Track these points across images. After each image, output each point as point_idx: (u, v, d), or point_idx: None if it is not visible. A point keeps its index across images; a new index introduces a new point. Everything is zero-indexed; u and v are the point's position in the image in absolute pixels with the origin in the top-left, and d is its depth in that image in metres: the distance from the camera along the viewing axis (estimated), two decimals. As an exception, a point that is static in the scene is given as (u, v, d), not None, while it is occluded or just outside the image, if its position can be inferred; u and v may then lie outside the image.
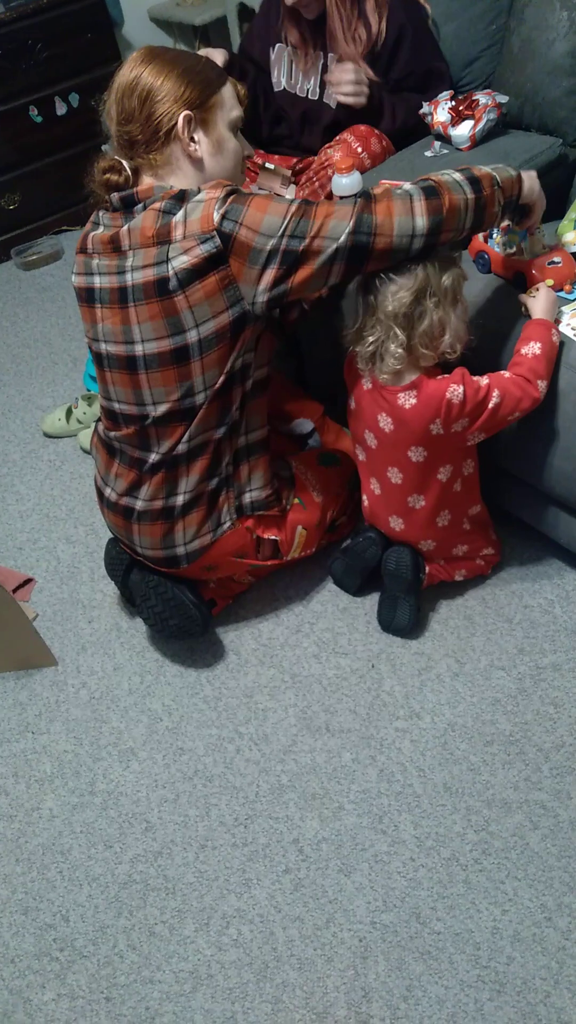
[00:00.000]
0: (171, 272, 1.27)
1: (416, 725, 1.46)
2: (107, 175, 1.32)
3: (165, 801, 1.44)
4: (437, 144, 1.85)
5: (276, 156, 2.05)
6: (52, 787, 1.50)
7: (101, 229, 1.36)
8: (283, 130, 2.10)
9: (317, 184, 1.87)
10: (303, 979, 1.21)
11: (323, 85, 1.98)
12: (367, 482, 1.58)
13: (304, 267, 1.26)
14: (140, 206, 1.30)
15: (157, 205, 1.28)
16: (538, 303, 1.41)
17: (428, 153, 1.85)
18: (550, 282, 1.46)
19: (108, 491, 1.53)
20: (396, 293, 1.32)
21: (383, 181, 1.64)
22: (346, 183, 1.71)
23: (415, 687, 1.52)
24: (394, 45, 1.89)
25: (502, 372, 1.38)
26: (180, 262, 1.26)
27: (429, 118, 1.89)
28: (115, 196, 1.32)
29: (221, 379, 1.35)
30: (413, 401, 1.38)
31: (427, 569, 1.57)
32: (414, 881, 1.28)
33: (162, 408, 1.37)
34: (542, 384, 1.35)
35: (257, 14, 2.09)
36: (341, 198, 1.73)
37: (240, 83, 1.40)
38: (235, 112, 1.36)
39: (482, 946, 1.21)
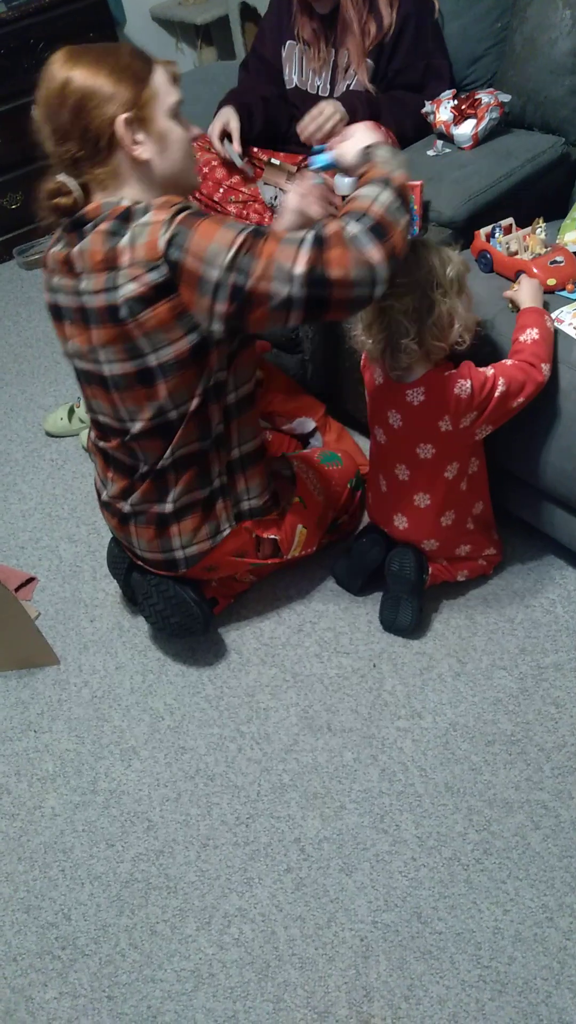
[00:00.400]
0: (120, 300, 1.21)
1: (418, 725, 1.46)
2: (56, 199, 1.23)
3: (167, 800, 1.44)
4: (439, 143, 1.85)
5: (282, 153, 2.05)
6: (54, 786, 1.50)
7: (60, 245, 1.30)
8: (295, 127, 2.10)
9: (321, 181, 1.87)
10: (304, 978, 1.21)
11: (333, 81, 1.99)
12: (374, 479, 1.58)
13: (257, 309, 1.19)
14: (90, 226, 1.23)
15: (104, 226, 1.21)
16: (523, 293, 1.42)
17: (431, 152, 1.84)
18: (552, 280, 1.46)
19: (104, 493, 1.53)
20: (404, 287, 1.32)
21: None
22: (349, 182, 1.71)
23: (417, 687, 1.52)
24: (397, 36, 1.89)
25: (504, 361, 1.39)
26: (128, 290, 1.20)
27: (431, 117, 1.88)
28: (66, 221, 1.26)
29: (195, 401, 1.31)
30: (421, 398, 1.38)
31: (430, 570, 1.57)
32: (415, 881, 1.28)
33: (138, 425, 1.34)
34: (545, 367, 1.36)
35: (268, 12, 2.09)
36: (344, 197, 1.73)
37: (171, 63, 1.28)
38: (172, 98, 1.25)
39: (483, 946, 1.21)
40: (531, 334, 1.38)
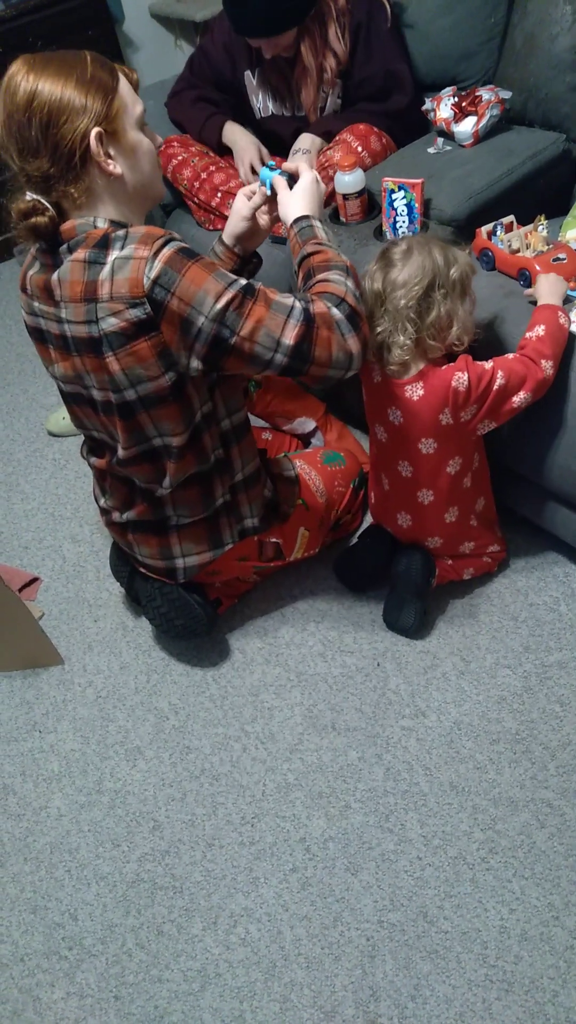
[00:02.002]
0: (100, 333, 1.18)
1: (422, 723, 1.46)
2: (32, 220, 1.17)
3: (172, 800, 1.45)
4: (440, 141, 1.85)
5: (277, 158, 2.04)
6: (60, 786, 1.50)
7: (37, 267, 1.26)
8: (275, 146, 2.08)
9: (319, 184, 1.87)
10: (311, 978, 1.22)
11: (304, 109, 1.98)
12: (377, 478, 1.58)
13: (235, 360, 1.20)
14: (65, 247, 1.20)
15: (81, 255, 1.18)
16: (540, 289, 1.42)
17: (431, 150, 1.84)
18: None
19: (103, 502, 1.53)
20: (406, 286, 1.33)
21: (385, 179, 1.63)
22: (349, 180, 1.71)
23: (421, 685, 1.52)
24: (352, 49, 1.88)
25: (507, 355, 1.39)
26: (109, 324, 1.17)
27: (432, 114, 1.88)
28: (42, 243, 1.22)
29: (184, 436, 1.30)
30: (420, 393, 1.38)
31: (437, 572, 1.57)
32: (421, 880, 1.28)
33: (126, 452, 1.33)
34: (546, 364, 1.35)
35: (220, 28, 2.00)
36: (344, 195, 1.73)
37: (132, 71, 1.24)
38: (138, 107, 1.21)
39: (489, 945, 1.21)
40: (537, 331, 1.37)
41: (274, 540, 1.54)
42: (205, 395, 1.31)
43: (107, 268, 1.16)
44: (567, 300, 1.45)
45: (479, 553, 1.60)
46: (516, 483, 1.60)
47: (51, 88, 1.11)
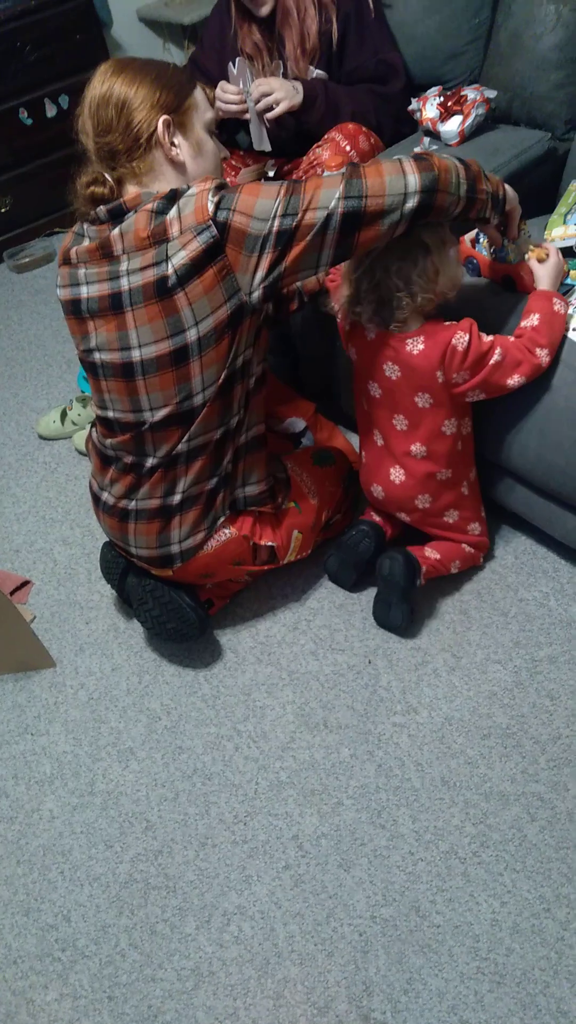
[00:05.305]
0: (171, 270, 1.26)
1: (413, 720, 1.47)
2: (91, 188, 1.31)
3: (165, 800, 1.45)
4: (426, 140, 1.86)
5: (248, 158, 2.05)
6: (52, 788, 1.50)
7: (86, 241, 1.34)
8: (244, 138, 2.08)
9: (306, 183, 1.87)
10: (304, 974, 1.22)
11: None
12: (369, 436, 1.56)
13: (297, 244, 1.25)
14: (131, 213, 1.29)
15: (149, 206, 1.27)
16: (538, 272, 1.44)
17: (417, 149, 1.85)
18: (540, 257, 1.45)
19: (105, 495, 1.53)
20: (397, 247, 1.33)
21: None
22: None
23: (412, 682, 1.52)
24: (342, 38, 1.90)
25: (507, 336, 1.40)
26: (179, 258, 1.25)
27: (418, 114, 1.89)
28: (102, 209, 1.30)
29: (223, 376, 1.35)
30: (421, 347, 1.39)
31: (424, 568, 1.56)
32: (413, 875, 1.29)
33: (160, 413, 1.36)
34: (542, 352, 1.37)
35: (207, 30, 2.05)
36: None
37: (208, 87, 1.39)
38: (209, 114, 1.36)
39: (481, 938, 1.21)
40: (532, 320, 1.39)
41: (268, 543, 1.54)
42: (251, 337, 1.36)
43: (174, 210, 1.27)
44: (566, 291, 1.46)
45: (461, 527, 1.58)
46: (504, 479, 1.60)
47: (129, 82, 1.28)
